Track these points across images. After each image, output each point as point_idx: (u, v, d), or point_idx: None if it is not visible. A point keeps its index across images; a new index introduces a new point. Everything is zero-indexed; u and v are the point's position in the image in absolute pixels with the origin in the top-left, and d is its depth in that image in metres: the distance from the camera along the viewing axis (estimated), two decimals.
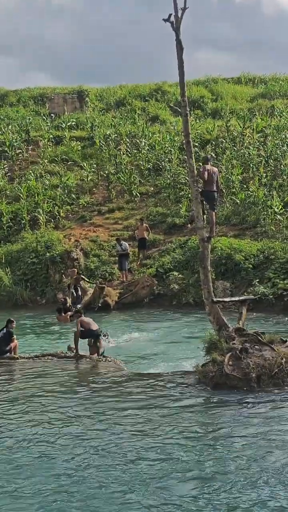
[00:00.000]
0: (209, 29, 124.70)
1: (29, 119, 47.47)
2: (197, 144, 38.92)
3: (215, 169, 19.91)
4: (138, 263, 33.51)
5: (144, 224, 34.24)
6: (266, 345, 16.64)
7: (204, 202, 19.29)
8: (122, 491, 10.02)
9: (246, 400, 14.78)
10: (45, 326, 27.84)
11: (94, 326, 20.33)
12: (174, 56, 17.95)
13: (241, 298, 21.11)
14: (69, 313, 27.63)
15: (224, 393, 15.32)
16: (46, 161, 43.01)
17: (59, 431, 12.89)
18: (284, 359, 16.08)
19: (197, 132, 41.28)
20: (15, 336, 21.14)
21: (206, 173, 19.12)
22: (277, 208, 33.01)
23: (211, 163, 20.42)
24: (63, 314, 28.42)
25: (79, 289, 30.55)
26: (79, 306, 29.69)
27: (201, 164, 19.30)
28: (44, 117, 48.10)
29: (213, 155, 37.90)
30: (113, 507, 9.49)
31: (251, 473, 10.47)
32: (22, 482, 10.49)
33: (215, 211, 20.14)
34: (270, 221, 33.01)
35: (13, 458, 11.53)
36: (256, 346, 16.59)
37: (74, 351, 20.07)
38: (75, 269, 31.97)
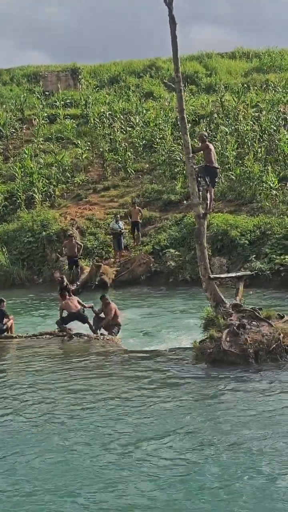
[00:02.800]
0: (204, 3, 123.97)
1: (24, 96, 47.23)
2: (191, 119, 38.70)
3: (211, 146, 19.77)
4: (135, 244, 33.47)
5: (137, 207, 33.95)
6: (263, 320, 16.66)
7: (205, 178, 19.18)
8: (116, 464, 10.09)
9: (244, 376, 14.83)
10: (43, 304, 27.84)
11: (75, 308, 20.36)
12: (169, 31, 17.83)
13: (237, 274, 21.15)
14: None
15: (221, 369, 15.37)
16: (40, 139, 42.83)
17: (53, 408, 12.93)
18: (281, 335, 16.12)
19: (192, 108, 41.07)
20: (12, 317, 21.18)
21: (212, 153, 18.88)
22: (273, 183, 32.95)
23: (208, 139, 20.26)
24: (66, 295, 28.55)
25: (79, 263, 30.74)
26: (77, 283, 29.79)
27: (200, 142, 19.09)
28: (38, 96, 47.85)
29: (209, 131, 37.69)
30: (107, 481, 9.54)
31: (248, 446, 10.52)
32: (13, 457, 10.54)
33: (214, 187, 20.00)
34: (265, 196, 32.95)
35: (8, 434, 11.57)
36: (254, 322, 16.62)
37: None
38: (72, 238, 31.59)
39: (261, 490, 9.13)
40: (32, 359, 17.55)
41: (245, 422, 11.72)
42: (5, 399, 13.92)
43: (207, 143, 19.18)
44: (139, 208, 34.07)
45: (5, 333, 20.60)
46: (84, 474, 9.89)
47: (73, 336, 19.80)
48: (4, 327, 20.65)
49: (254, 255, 28.98)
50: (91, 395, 13.78)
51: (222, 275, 22.06)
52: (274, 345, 15.88)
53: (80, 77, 51.21)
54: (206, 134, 20.77)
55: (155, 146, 39.82)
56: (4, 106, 46.27)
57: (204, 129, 36.92)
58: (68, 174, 39.51)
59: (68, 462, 10.36)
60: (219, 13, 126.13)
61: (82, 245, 31.83)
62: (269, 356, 15.80)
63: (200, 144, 19.09)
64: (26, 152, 40.42)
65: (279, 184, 33.16)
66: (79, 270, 30.96)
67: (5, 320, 20.78)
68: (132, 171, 38.91)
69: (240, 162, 35.99)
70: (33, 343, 19.51)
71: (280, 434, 11.12)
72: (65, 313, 20.51)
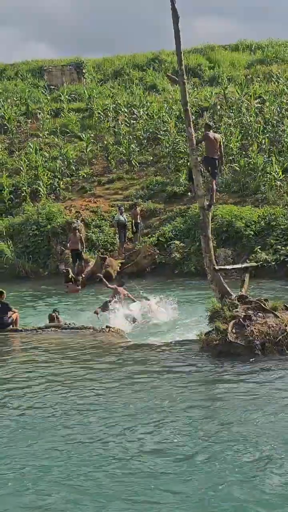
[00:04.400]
0: None
1: (28, 91, 47.29)
2: (195, 112, 38.70)
3: (217, 136, 19.59)
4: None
5: (138, 209, 33.84)
6: (269, 312, 16.62)
7: (208, 170, 19.18)
8: (121, 458, 10.12)
9: (250, 368, 14.79)
10: (49, 296, 27.92)
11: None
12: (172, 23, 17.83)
13: (243, 265, 21.16)
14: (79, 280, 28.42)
15: (228, 361, 15.33)
16: (45, 133, 42.92)
17: (56, 401, 12.96)
18: (287, 326, 16.11)
19: (195, 100, 41.08)
20: (17, 310, 21.24)
21: (211, 143, 18.85)
22: (277, 174, 32.98)
23: (213, 130, 20.20)
24: (72, 284, 28.72)
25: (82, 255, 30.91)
26: (82, 276, 29.90)
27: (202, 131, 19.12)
28: (42, 90, 47.91)
29: (212, 123, 37.68)
30: (113, 476, 9.58)
31: (255, 439, 10.55)
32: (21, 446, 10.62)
33: (216, 179, 19.99)
34: (270, 187, 32.97)
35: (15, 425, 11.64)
36: (260, 314, 16.57)
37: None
38: (77, 231, 31.67)
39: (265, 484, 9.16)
40: (37, 352, 17.57)
41: (251, 415, 11.68)
42: (9, 391, 13.96)
43: (207, 132, 19.16)
44: (139, 210, 33.99)
45: (10, 326, 20.65)
46: (85, 466, 9.91)
47: (85, 327, 20.01)
48: (9, 321, 20.70)
49: (259, 246, 29.02)
50: (95, 387, 13.77)
51: (228, 267, 22.08)
52: (280, 337, 15.85)
53: (84, 71, 51.20)
54: (211, 123, 20.67)
55: (159, 138, 39.82)
56: (9, 100, 46.39)
57: (209, 121, 36.88)
58: (73, 167, 39.57)
59: (68, 454, 10.39)
60: (223, 5, 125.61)
61: (82, 237, 31.83)
62: (276, 347, 15.74)
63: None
64: (31, 146, 40.52)
65: (283, 175, 33.19)
66: (83, 264, 31.04)
67: (9, 313, 20.82)
68: (137, 163, 38.97)
69: (244, 153, 36.02)
70: (38, 336, 19.55)
71: (286, 427, 11.15)
72: None
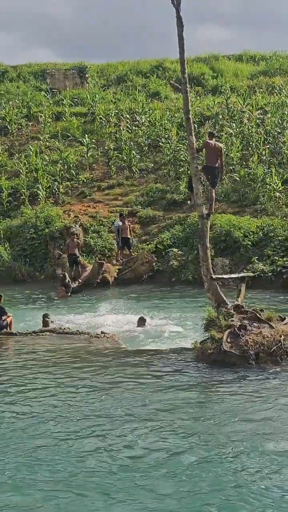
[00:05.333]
0: (212, 3, 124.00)
1: (31, 93, 47.33)
2: (197, 120, 38.74)
3: (219, 145, 19.57)
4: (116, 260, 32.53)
5: (127, 223, 32.86)
6: (264, 322, 16.67)
7: (208, 179, 19.17)
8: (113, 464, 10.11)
9: (244, 377, 14.82)
10: (45, 301, 27.88)
11: None
12: (176, 32, 17.85)
13: (240, 275, 21.16)
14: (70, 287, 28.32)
15: (222, 370, 15.36)
16: (46, 136, 42.90)
17: (48, 406, 12.95)
18: (282, 337, 16.13)
19: (197, 109, 41.13)
20: (11, 314, 21.23)
21: (211, 152, 18.83)
22: (276, 186, 33.03)
23: (216, 139, 20.16)
24: (64, 289, 28.65)
25: (79, 261, 30.87)
26: (79, 281, 29.89)
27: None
28: (45, 93, 47.96)
29: (214, 132, 37.71)
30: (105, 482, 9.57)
31: (248, 448, 10.54)
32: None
33: (215, 188, 19.98)
34: (269, 198, 33.01)
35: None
36: (255, 324, 16.62)
37: None
38: (75, 236, 31.66)
39: (251, 488, 9.17)
40: (31, 356, 17.56)
41: (243, 423, 11.72)
42: (2, 395, 13.94)
43: (208, 141, 19.16)
44: (129, 223, 33.04)
45: (5, 330, 20.64)
46: (74, 468, 9.95)
47: (80, 333, 19.90)
48: (4, 324, 20.70)
49: (257, 257, 29.04)
50: (87, 393, 13.78)
51: (225, 276, 22.10)
52: (275, 347, 15.88)
53: (87, 75, 51.24)
54: (214, 132, 20.62)
55: (160, 145, 39.84)
56: (10, 102, 46.35)
57: (210, 130, 36.93)
58: (73, 171, 39.52)
59: (54, 458, 10.42)
60: (227, 14, 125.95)
61: (80, 242, 31.83)
62: (270, 358, 15.78)
63: None
64: (32, 148, 40.48)
65: (283, 187, 33.24)
66: (80, 269, 31.00)
67: (4, 317, 20.83)
68: (137, 170, 38.97)
69: (245, 163, 36.05)
70: (33, 340, 19.53)
71: (276, 435, 11.15)
72: None
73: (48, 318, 21.48)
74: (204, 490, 9.23)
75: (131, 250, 32.68)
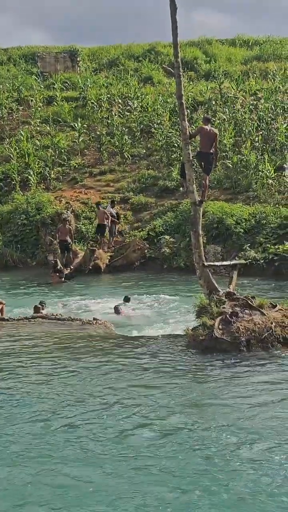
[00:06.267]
0: None
1: (21, 77, 47.02)
2: (190, 106, 38.57)
3: (215, 131, 19.23)
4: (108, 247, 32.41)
5: (101, 209, 32.59)
6: (256, 309, 16.63)
7: (201, 165, 18.99)
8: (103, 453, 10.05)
9: (235, 363, 14.81)
10: (37, 287, 27.80)
11: None
12: (169, 15, 17.62)
13: (232, 262, 21.12)
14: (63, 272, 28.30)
15: (213, 356, 15.35)
16: (37, 121, 42.65)
17: (38, 394, 12.85)
18: (273, 324, 16.11)
19: (190, 94, 40.93)
20: (4, 301, 21.14)
21: (205, 137, 18.62)
22: (269, 173, 32.93)
23: (211, 124, 19.92)
24: (57, 275, 28.60)
25: (71, 248, 30.75)
26: (70, 268, 29.81)
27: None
28: (36, 77, 47.64)
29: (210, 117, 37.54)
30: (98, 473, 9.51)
31: (239, 435, 10.51)
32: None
33: (209, 174, 19.80)
34: (261, 185, 32.93)
35: None
36: (246, 311, 16.59)
37: None
38: (66, 222, 31.53)
39: (243, 475, 9.13)
40: (23, 343, 17.46)
41: (232, 408, 11.72)
42: None
43: (202, 126, 18.93)
44: (104, 210, 32.49)
45: None
46: (69, 459, 9.88)
47: (73, 319, 19.81)
48: None
49: (249, 244, 29.00)
50: (79, 380, 13.70)
51: (216, 263, 22.07)
52: (266, 334, 15.87)
53: (78, 59, 50.90)
54: (209, 117, 20.35)
55: (153, 131, 39.67)
56: (1, 86, 46.05)
57: (203, 116, 36.77)
58: (64, 157, 39.36)
59: (43, 446, 10.35)
60: None
61: (71, 229, 31.68)
62: (261, 344, 15.78)
63: None
64: (22, 133, 40.23)
65: (275, 174, 33.15)
66: (71, 255, 30.91)
67: None
68: (129, 156, 38.81)
69: (237, 150, 35.92)
70: (24, 326, 19.44)
71: (265, 417, 11.16)
72: None
73: (43, 305, 21.39)
74: (191, 471, 9.28)
75: (103, 238, 32.39)
